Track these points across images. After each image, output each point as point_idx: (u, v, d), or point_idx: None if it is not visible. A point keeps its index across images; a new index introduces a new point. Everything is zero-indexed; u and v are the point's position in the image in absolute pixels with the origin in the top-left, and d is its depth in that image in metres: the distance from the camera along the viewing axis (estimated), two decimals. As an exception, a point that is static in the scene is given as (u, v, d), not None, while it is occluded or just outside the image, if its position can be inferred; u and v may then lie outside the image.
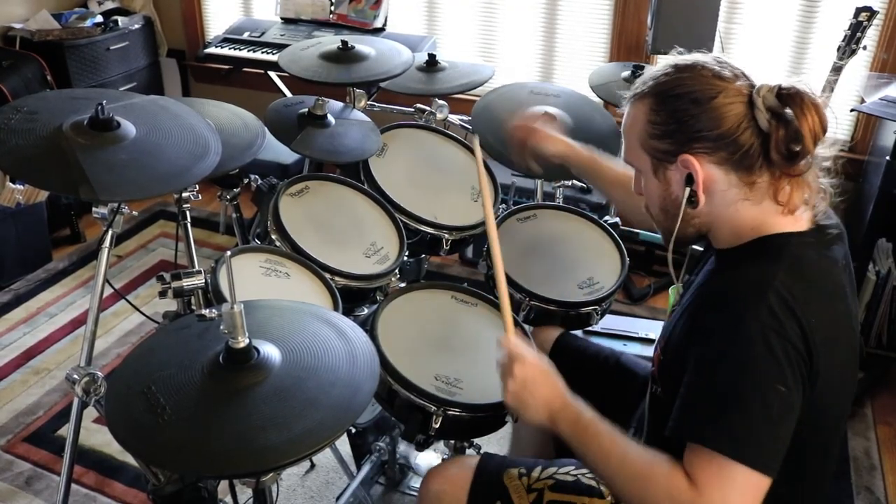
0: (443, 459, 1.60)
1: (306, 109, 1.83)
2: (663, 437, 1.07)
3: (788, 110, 1.05)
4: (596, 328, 1.88)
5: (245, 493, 1.55)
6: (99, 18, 3.40)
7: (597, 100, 2.32)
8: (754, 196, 1.10)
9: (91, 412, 2.09)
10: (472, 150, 2.01)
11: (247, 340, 1.06)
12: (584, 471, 1.30)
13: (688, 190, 1.11)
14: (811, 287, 1.05)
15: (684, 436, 1.04)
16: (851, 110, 2.74)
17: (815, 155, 1.08)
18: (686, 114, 1.08)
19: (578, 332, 1.78)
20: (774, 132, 1.06)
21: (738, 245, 1.13)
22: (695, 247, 1.28)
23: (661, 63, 1.15)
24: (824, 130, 1.07)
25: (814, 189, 1.11)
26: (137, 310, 1.97)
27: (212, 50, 3.24)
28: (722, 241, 1.16)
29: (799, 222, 1.11)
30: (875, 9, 2.23)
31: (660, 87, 1.12)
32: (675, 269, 1.23)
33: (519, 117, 1.69)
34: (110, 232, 1.60)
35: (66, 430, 1.82)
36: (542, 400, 1.17)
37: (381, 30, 3.24)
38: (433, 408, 1.37)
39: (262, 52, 3.16)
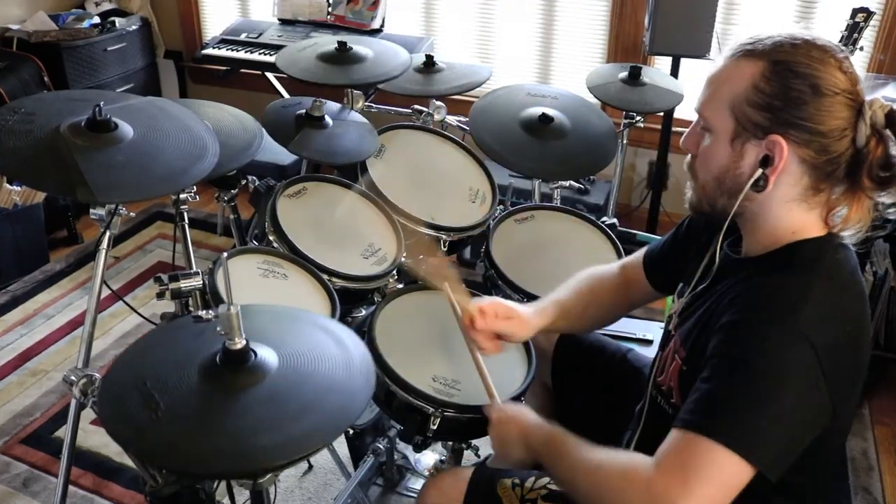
0: (438, 468, 1.60)
1: (304, 111, 1.83)
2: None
3: (891, 133, 1.00)
4: (593, 329, 1.89)
5: (243, 495, 1.55)
6: (96, 19, 3.40)
7: (594, 101, 2.32)
8: (812, 202, 1.04)
9: (88, 414, 2.09)
10: (469, 151, 2.01)
11: (243, 342, 1.05)
12: None
13: (759, 171, 1.03)
14: (847, 293, 1.03)
15: (691, 428, 0.97)
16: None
17: None
18: (799, 97, 0.99)
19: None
20: (872, 151, 1.00)
21: (770, 251, 1.07)
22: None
23: (784, 30, 1.06)
24: None
25: (867, 219, 1.05)
26: (135, 311, 1.96)
27: (209, 51, 3.24)
28: (753, 239, 1.11)
29: (826, 227, 1.07)
30: (872, 10, 2.24)
31: (782, 56, 1.02)
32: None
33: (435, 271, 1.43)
34: (108, 233, 1.60)
35: (64, 432, 1.81)
36: (516, 434, 1.22)
37: (379, 31, 3.24)
38: (431, 409, 1.36)
39: (260, 54, 3.16)
